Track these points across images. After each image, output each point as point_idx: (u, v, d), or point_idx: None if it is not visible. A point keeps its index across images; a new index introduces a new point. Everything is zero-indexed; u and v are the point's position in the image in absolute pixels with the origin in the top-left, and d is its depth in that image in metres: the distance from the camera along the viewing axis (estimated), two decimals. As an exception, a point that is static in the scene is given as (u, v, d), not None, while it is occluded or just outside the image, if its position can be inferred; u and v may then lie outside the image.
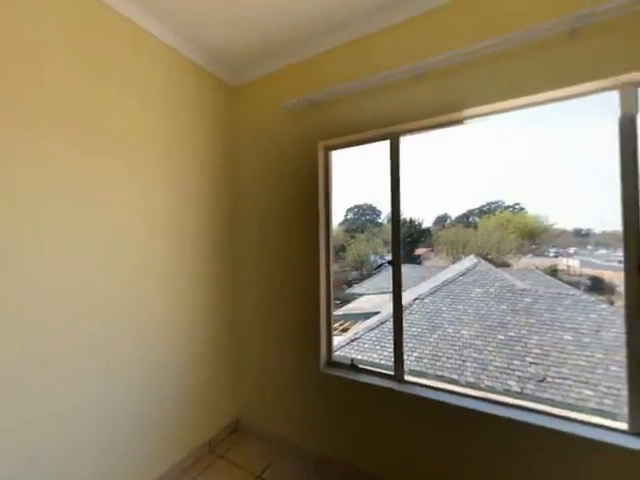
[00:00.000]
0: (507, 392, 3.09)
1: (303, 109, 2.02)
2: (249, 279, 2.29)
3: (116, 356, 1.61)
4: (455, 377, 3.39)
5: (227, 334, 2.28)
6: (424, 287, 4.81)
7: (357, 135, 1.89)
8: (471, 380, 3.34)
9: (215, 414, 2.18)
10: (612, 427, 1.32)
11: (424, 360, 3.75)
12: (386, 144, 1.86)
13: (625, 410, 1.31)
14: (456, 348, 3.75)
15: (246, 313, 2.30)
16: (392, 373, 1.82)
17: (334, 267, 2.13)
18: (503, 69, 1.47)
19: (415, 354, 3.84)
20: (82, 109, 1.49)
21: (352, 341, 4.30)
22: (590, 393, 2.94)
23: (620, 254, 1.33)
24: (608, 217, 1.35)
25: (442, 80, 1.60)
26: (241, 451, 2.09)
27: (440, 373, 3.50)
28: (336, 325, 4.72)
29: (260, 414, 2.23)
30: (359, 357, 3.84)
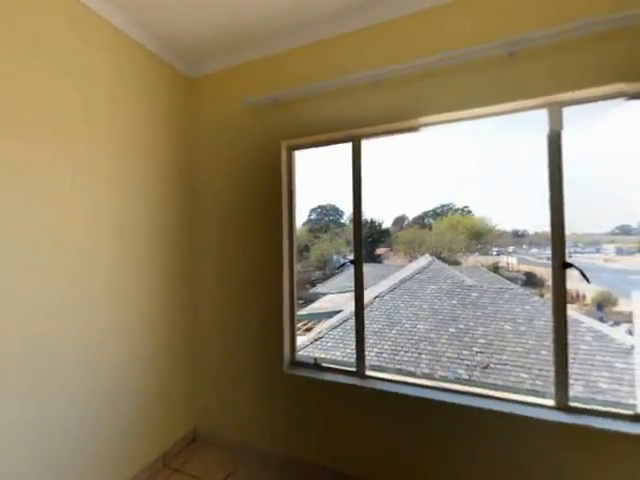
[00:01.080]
0: (457, 380, 3.36)
1: (265, 107, 1.98)
2: (209, 279, 2.19)
3: (52, 370, 1.44)
4: (412, 369, 3.60)
5: (184, 337, 2.16)
6: (384, 285, 5.02)
7: (320, 136, 1.91)
8: (426, 371, 3.57)
9: (170, 425, 2.05)
10: (542, 404, 1.50)
11: (384, 355, 3.92)
12: (348, 147, 1.91)
13: (552, 389, 1.51)
14: (413, 342, 3.97)
15: (205, 314, 2.20)
16: (354, 369, 1.87)
17: (297, 267, 2.13)
18: (453, 82, 1.59)
19: (376, 350, 3.99)
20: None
21: (316, 340, 4.33)
22: (525, 376, 3.31)
23: (549, 252, 1.52)
24: (539, 220, 1.54)
25: (399, 88, 1.69)
26: (199, 462, 1.99)
27: (399, 366, 3.68)
28: (300, 325, 4.72)
29: (220, 421, 2.15)
30: (322, 356, 3.89)
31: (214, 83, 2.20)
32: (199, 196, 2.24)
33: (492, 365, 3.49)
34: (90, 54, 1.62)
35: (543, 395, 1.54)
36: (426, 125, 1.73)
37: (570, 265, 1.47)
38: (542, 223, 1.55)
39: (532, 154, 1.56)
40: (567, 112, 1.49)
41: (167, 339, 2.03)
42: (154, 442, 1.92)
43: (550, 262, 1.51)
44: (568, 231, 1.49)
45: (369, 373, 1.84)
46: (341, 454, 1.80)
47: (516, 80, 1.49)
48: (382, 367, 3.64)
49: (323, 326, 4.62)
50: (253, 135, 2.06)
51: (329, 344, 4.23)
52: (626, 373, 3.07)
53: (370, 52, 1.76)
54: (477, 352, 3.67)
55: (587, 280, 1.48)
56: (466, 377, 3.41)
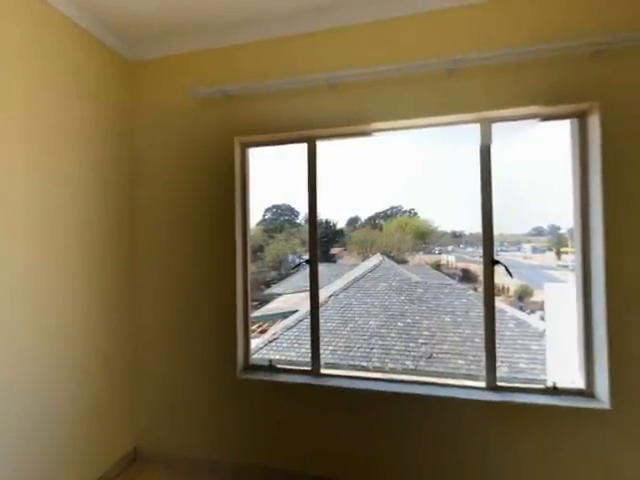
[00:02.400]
0: (405, 371, 3.59)
1: (217, 100, 1.90)
2: (154, 282, 2.02)
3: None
4: (365, 364, 3.75)
5: (123, 346, 1.96)
6: (339, 284, 5.15)
7: (275, 135, 1.89)
8: (377, 365, 3.75)
9: (106, 445, 1.84)
10: (475, 386, 1.69)
11: (338, 352, 4.02)
12: (304, 147, 1.92)
13: (483, 372, 1.70)
14: (365, 338, 4.15)
15: (149, 320, 2.02)
16: (309, 368, 1.88)
17: (252, 267, 2.07)
18: (401, 92, 1.70)
19: (331, 347, 4.07)
20: None
21: (271, 342, 4.26)
22: (462, 362, 3.68)
23: (481, 251, 1.72)
24: (474, 222, 1.73)
25: (353, 93, 1.75)
26: (142, 483, 1.83)
27: (352, 362, 3.81)
28: (254, 327, 4.59)
29: (165, 436, 1.99)
30: (278, 357, 3.84)
31: (159, 69, 2.03)
32: (141, 191, 2.05)
33: (435, 355, 3.81)
34: None
35: (476, 378, 1.73)
36: (378, 131, 1.82)
37: (497, 262, 1.68)
38: (475, 225, 1.74)
39: (468, 164, 1.74)
40: (495, 128, 1.69)
41: (103, 348, 1.82)
42: (86, 467, 1.71)
43: (482, 259, 1.71)
44: (496, 232, 1.69)
45: (324, 371, 1.88)
46: (297, 454, 1.80)
47: (454, 96, 1.64)
48: (337, 364, 3.72)
49: (278, 327, 4.57)
50: (204, 129, 1.95)
51: (284, 345, 4.21)
52: (539, 354, 3.61)
53: (325, 55, 1.79)
54: (422, 343, 3.97)
55: (510, 275, 1.70)
56: (413, 367, 3.67)
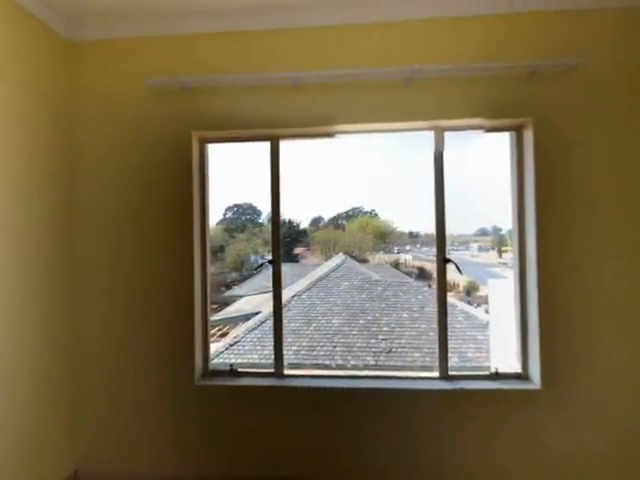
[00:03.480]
0: (366, 366, 3.72)
1: (173, 92, 1.78)
2: (98, 285, 1.83)
3: None
4: (328, 362, 3.80)
5: (60, 360, 1.75)
6: (302, 284, 5.15)
7: (236, 131, 1.83)
8: (340, 362, 3.83)
9: (40, 473, 1.62)
10: (429, 377, 1.81)
11: (302, 352, 4.02)
12: (266, 146, 1.88)
13: (437, 363, 1.82)
14: (328, 336, 4.20)
15: (91, 329, 1.83)
16: (272, 370, 1.86)
17: (211, 269, 1.98)
18: (362, 96, 1.75)
19: (294, 348, 4.06)
20: None
21: (232, 345, 4.12)
22: (418, 355, 3.91)
23: (434, 250, 1.84)
24: (428, 223, 1.85)
25: (317, 94, 1.76)
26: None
27: (316, 361, 3.84)
28: (214, 331, 4.40)
29: (111, 455, 1.81)
30: (240, 361, 3.73)
31: (103, 52, 1.85)
32: (83, 185, 1.85)
33: (394, 349, 4.00)
34: None
35: (431, 369, 1.85)
36: (340, 133, 1.86)
37: (449, 260, 1.81)
38: (430, 226, 1.86)
39: (423, 168, 1.85)
40: (448, 136, 1.83)
41: (36, 361, 1.60)
42: (12, 501, 1.49)
43: (435, 258, 1.83)
44: (447, 233, 1.83)
45: (287, 372, 1.86)
46: (260, 459, 1.77)
47: (411, 104, 1.74)
48: (300, 364, 3.72)
49: (240, 330, 4.43)
50: (158, 121, 1.82)
51: (247, 348, 4.09)
52: (484, 343, 3.97)
53: (290, 54, 1.78)
54: (382, 339, 4.14)
55: (460, 272, 1.84)
56: (373, 363, 3.80)
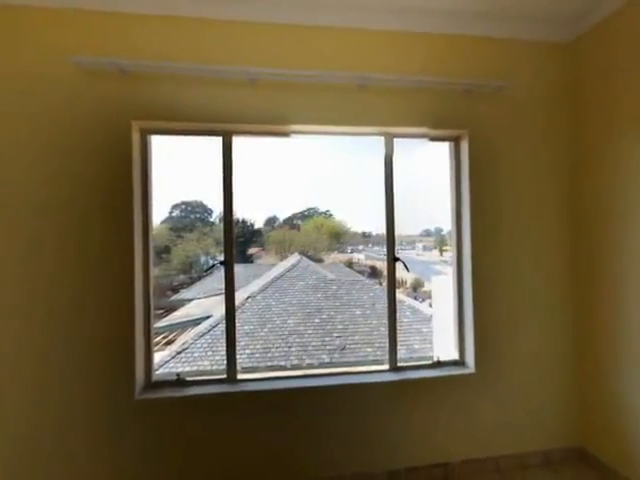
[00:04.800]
0: (321, 364, 3.78)
1: (108, 74, 1.60)
2: (11, 295, 1.55)
3: None
4: (283, 363, 3.77)
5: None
6: (256, 285, 5.03)
7: (184, 124, 1.71)
8: (295, 362, 3.82)
9: None
10: (380, 370, 1.90)
11: (256, 355, 3.93)
12: (218, 141, 1.80)
13: (387, 356, 1.93)
14: (283, 337, 4.17)
15: (4, 344, 1.55)
16: (225, 376, 1.78)
17: (155, 271, 1.82)
18: (317, 98, 1.77)
19: (248, 351, 3.95)
20: None
21: (179, 353, 3.85)
22: (370, 350, 4.09)
23: (385, 250, 1.94)
24: (379, 224, 1.95)
25: (273, 92, 1.74)
26: None
27: (270, 363, 3.78)
28: (159, 339, 4.06)
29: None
30: (188, 369, 3.50)
31: (14, 19, 1.58)
32: (-10, 177, 1.55)
33: (348, 346, 4.13)
34: None
35: (382, 362, 1.95)
36: (296, 133, 1.86)
37: (398, 259, 1.93)
38: (381, 226, 1.96)
39: (375, 171, 1.95)
40: (396, 142, 1.94)
41: None
42: None
43: (386, 257, 1.94)
44: (397, 233, 1.95)
45: (241, 376, 1.80)
46: (212, 469, 1.67)
47: (363, 109, 1.81)
48: (255, 367, 3.64)
49: (189, 336, 4.16)
50: (90, 106, 1.61)
51: (196, 354, 3.86)
52: (428, 335, 4.32)
53: (245, 48, 1.72)
54: (336, 337, 4.24)
55: (408, 270, 1.97)
56: (328, 360, 3.88)
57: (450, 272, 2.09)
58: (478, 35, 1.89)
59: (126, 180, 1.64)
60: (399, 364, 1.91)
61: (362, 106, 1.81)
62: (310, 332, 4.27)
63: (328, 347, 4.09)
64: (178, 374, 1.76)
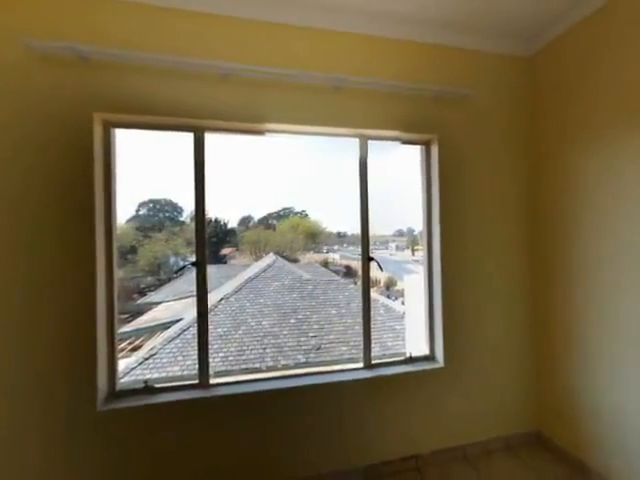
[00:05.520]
0: (297, 365, 3.76)
1: (67, 61, 1.48)
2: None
3: None
4: (258, 365, 3.71)
5: None
6: (230, 286, 4.90)
7: (152, 118, 1.62)
8: (271, 364, 3.78)
9: None
10: (355, 368, 1.93)
11: (230, 358, 3.82)
12: (190, 137, 1.73)
13: (361, 354, 1.96)
14: (258, 339, 4.10)
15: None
16: (196, 381, 1.72)
17: (119, 273, 1.72)
18: (293, 98, 1.77)
19: (221, 354, 3.83)
20: None
21: (147, 359, 3.65)
22: (345, 348, 4.14)
23: (359, 249, 1.98)
24: (354, 224, 1.98)
25: (248, 89, 1.70)
26: None
27: (245, 366, 3.70)
28: (124, 345, 3.82)
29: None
30: (157, 376, 3.33)
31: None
32: None
33: (323, 345, 4.15)
34: None
35: (356, 360, 1.98)
36: (271, 131, 1.83)
37: (372, 259, 1.97)
38: (355, 227, 2.00)
39: (350, 172, 1.98)
40: (371, 144, 1.98)
41: None
42: None
43: (360, 257, 1.97)
44: (371, 233, 1.99)
45: (214, 381, 1.75)
46: (184, 477, 1.61)
47: (338, 110, 1.83)
48: (228, 371, 3.54)
49: (157, 340, 3.96)
50: (44, 95, 1.48)
51: (165, 360, 3.68)
52: (401, 332, 4.46)
53: (218, 42, 1.67)
54: (312, 337, 4.24)
55: (381, 269, 2.02)
56: (304, 360, 3.87)
57: (421, 271, 2.17)
58: (447, 45, 1.99)
59: (87, 175, 1.53)
60: (373, 361, 1.95)
61: (337, 107, 1.82)
62: (285, 333, 4.24)
63: (304, 347, 4.08)
64: (146, 381, 1.67)
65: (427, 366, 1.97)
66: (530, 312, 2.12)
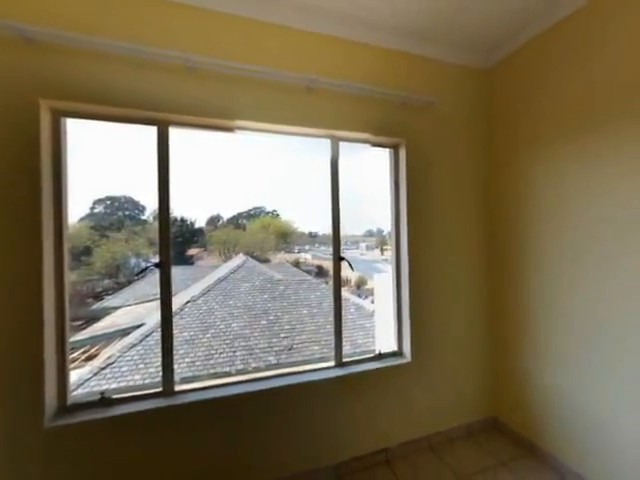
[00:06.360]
0: (268, 367, 3.70)
1: (7, 39, 1.33)
2: None
3: None
4: (227, 369, 3.60)
5: None
6: (197, 288, 4.70)
7: (109, 108, 1.51)
8: (241, 367, 3.68)
9: None
10: (326, 367, 1.95)
11: (197, 363, 3.67)
12: (153, 131, 1.63)
13: (333, 353, 1.98)
14: (228, 342, 3.98)
15: None
16: (160, 389, 1.62)
17: (71, 276, 1.58)
18: (265, 95, 1.74)
19: (187, 360, 3.66)
20: None
21: (103, 369, 3.38)
22: (317, 348, 4.16)
23: (331, 249, 1.99)
24: (326, 224, 2.00)
25: (216, 84, 1.64)
26: None
27: (213, 370, 3.57)
28: (77, 354, 3.50)
29: None
30: (115, 386, 3.10)
31: None
32: None
33: (295, 346, 4.13)
34: None
35: (328, 359, 2.00)
36: (242, 129, 1.79)
37: (343, 258, 2.00)
38: (327, 227, 2.01)
39: (321, 173, 1.99)
40: (342, 145, 2.01)
41: None
42: None
43: (332, 257, 1.99)
44: (342, 233, 2.01)
45: (179, 388, 1.67)
46: (142, 495, 1.51)
47: (310, 111, 1.84)
48: (195, 377, 3.40)
49: (116, 348, 3.69)
50: (-22, 76, 1.32)
51: (124, 369, 3.44)
52: (371, 330, 4.57)
53: (183, 33, 1.60)
54: (284, 337, 4.21)
55: (352, 268, 2.06)
56: (275, 362, 3.82)
57: (390, 270, 2.24)
58: (413, 53, 2.07)
59: (32, 168, 1.39)
60: (344, 359, 1.98)
61: (309, 108, 1.83)
62: (256, 335, 4.16)
63: (275, 348, 4.04)
64: (102, 392, 1.55)
65: (395, 361, 2.04)
66: (487, 309, 2.29)
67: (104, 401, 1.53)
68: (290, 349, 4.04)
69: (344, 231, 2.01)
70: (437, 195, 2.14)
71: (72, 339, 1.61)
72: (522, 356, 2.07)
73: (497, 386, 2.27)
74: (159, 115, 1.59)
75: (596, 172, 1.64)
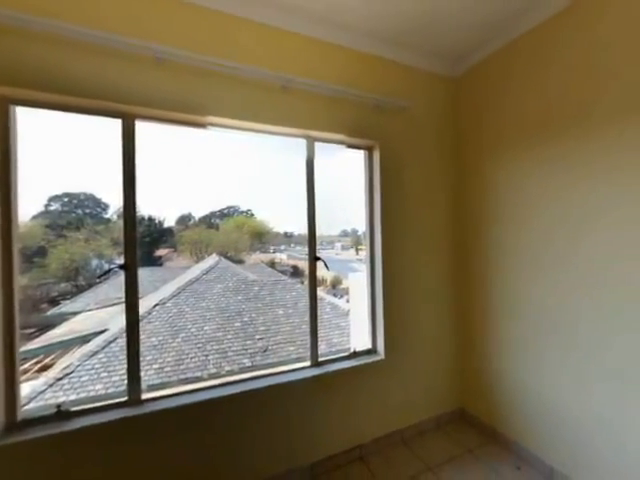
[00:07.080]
0: (242, 369, 3.62)
1: (-56, 17, 1.19)
2: None
3: None
4: (199, 374, 3.47)
5: None
6: (166, 290, 4.49)
7: (67, 97, 1.40)
8: (213, 371, 3.56)
9: None
10: (302, 367, 1.95)
11: (166, 369, 3.50)
12: (117, 124, 1.54)
13: (309, 353, 1.98)
14: (199, 345, 3.84)
15: None
16: (125, 399, 1.53)
17: (22, 280, 1.44)
18: (238, 92, 1.70)
19: (156, 366, 3.49)
20: None
21: (60, 379, 3.13)
22: (292, 348, 4.14)
23: (306, 249, 1.99)
24: (301, 224, 2.00)
25: (187, 77, 1.58)
26: None
27: (184, 376, 3.42)
28: (28, 365, 3.20)
29: None
30: (74, 397, 2.87)
31: None
32: None
33: (270, 347, 4.08)
34: None
35: (304, 359, 2.00)
36: (214, 125, 1.74)
37: (319, 258, 2.01)
38: (302, 226, 2.01)
39: (297, 172, 1.98)
40: (318, 146, 2.02)
41: None
42: None
43: (307, 257, 1.99)
44: (318, 233, 2.02)
45: (146, 396, 1.58)
46: (105, 512, 1.42)
47: (286, 110, 1.82)
48: (164, 383, 3.24)
49: (74, 357, 3.43)
50: None
51: (85, 379, 3.21)
52: (346, 329, 4.63)
53: (152, 23, 1.52)
54: (258, 339, 4.14)
55: (327, 268, 2.07)
56: (249, 364, 3.75)
57: (364, 270, 2.29)
58: (387, 58, 2.13)
59: (-26, 161, 1.25)
60: (320, 359, 1.99)
61: (285, 107, 1.81)
62: (230, 337, 4.05)
63: (250, 350, 3.96)
64: (59, 405, 1.43)
65: (369, 359, 2.09)
66: (454, 306, 2.40)
67: (61, 414, 1.42)
68: (265, 351, 3.98)
69: (320, 231, 2.02)
70: (410, 197, 2.22)
71: (23, 349, 1.47)
72: (486, 351, 2.21)
73: (463, 378, 2.39)
74: (124, 107, 1.50)
75: (552, 178, 1.78)
